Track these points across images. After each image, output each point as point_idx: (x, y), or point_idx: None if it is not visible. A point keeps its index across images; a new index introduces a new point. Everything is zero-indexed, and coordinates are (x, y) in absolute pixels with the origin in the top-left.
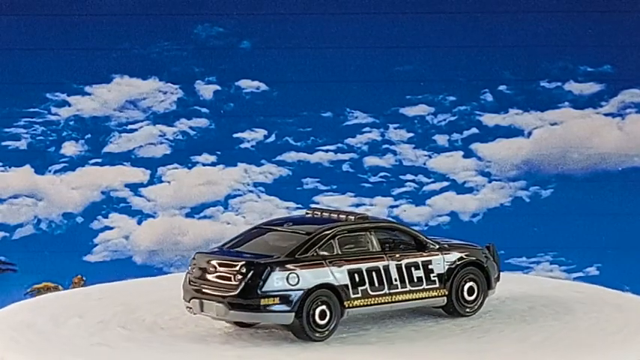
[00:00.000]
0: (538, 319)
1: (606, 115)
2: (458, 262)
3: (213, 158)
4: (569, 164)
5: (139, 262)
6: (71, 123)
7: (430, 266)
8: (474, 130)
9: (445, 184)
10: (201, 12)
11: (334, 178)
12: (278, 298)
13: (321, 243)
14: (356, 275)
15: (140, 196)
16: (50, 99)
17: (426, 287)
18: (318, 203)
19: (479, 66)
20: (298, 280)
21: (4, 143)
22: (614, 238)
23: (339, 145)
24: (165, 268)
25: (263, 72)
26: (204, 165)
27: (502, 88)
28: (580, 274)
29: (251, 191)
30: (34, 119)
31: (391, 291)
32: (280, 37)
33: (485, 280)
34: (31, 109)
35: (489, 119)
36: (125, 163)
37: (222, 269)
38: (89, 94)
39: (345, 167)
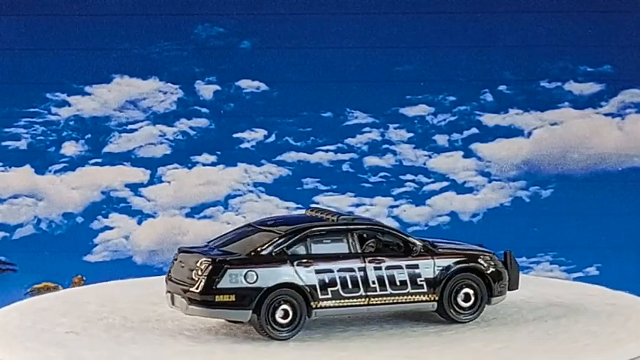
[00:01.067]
0: (527, 327)
1: (606, 115)
2: (452, 268)
3: (213, 158)
4: (569, 164)
5: (139, 262)
6: (71, 123)
7: (417, 270)
8: (474, 130)
9: (445, 184)
10: (201, 12)
11: (334, 178)
12: (234, 296)
13: (290, 242)
14: (325, 276)
15: (140, 196)
16: (50, 99)
17: (412, 291)
18: (318, 203)
19: (479, 66)
20: (257, 278)
21: (4, 143)
22: (614, 238)
23: (339, 145)
24: (165, 268)
25: (263, 72)
26: (204, 165)
27: (502, 88)
28: (580, 274)
29: (251, 191)
30: (34, 119)
31: (368, 293)
32: (280, 37)
33: (485, 287)
34: (31, 109)
35: (489, 119)
36: (125, 163)
37: (189, 265)
38: (89, 94)
39: (345, 167)
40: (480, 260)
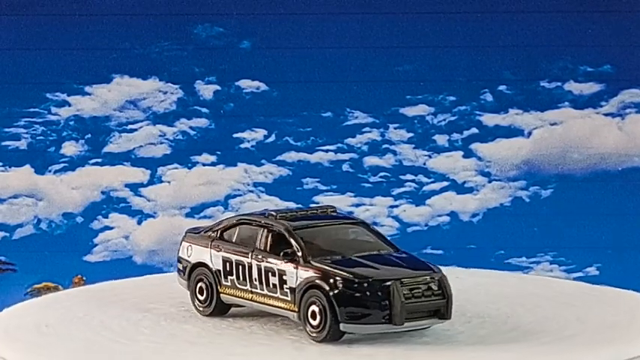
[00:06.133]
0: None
1: (606, 115)
2: (305, 282)
3: (213, 158)
4: (569, 164)
5: (139, 262)
6: (71, 123)
7: (284, 277)
8: (474, 130)
9: (445, 184)
10: (201, 12)
11: (334, 178)
12: (182, 265)
13: (224, 227)
14: (227, 264)
15: (140, 196)
16: (50, 99)
17: (280, 297)
18: (318, 203)
19: (479, 66)
20: (191, 253)
21: (4, 143)
22: (614, 238)
23: (339, 145)
24: (165, 268)
25: (263, 72)
26: (204, 165)
27: (502, 88)
28: (580, 274)
29: (251, 191)
30: (34, 119)
31: (252, 290)
32: (280, 37)
33: (330, 308)
34: (31, 109)
35: (489, 119)
36: (125, 163)
37: None
38: (89, 94)
39: (345, 167)
40: (332, 279)
